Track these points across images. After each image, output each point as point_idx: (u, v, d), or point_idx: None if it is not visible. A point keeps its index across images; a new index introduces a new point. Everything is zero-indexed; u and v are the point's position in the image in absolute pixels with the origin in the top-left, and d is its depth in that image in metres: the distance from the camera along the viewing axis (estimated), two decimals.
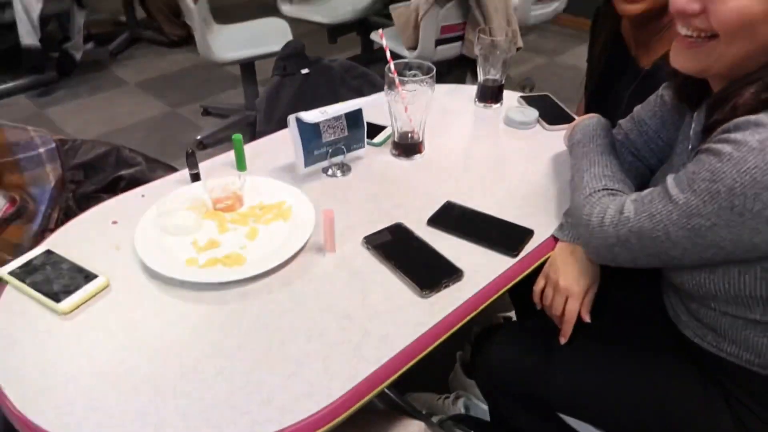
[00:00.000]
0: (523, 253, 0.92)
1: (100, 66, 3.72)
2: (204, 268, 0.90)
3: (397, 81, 1.07)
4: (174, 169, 1.29)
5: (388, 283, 0.87)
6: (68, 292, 0.83)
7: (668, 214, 0.72)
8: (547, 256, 0.95)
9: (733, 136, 0.67)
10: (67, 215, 1.28)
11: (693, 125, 0.86)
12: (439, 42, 2.44)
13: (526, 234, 0.96)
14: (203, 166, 1.12)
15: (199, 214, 1.01)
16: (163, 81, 3.55)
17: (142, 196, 1.06)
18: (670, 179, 0.74)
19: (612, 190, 0.88)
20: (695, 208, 0.69)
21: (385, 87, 1.09)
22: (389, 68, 1.07)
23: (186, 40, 3.85)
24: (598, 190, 0.87)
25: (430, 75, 1.08)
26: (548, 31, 4.01)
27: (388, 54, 1.09)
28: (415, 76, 1.09)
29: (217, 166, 1.16)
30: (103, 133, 2.95)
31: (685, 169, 0.72)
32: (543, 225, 0.98)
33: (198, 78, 3.54)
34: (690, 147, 0.85)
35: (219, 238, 0.96)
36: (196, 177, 1.10)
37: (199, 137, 2.78)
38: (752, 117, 0.66)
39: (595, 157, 0.95)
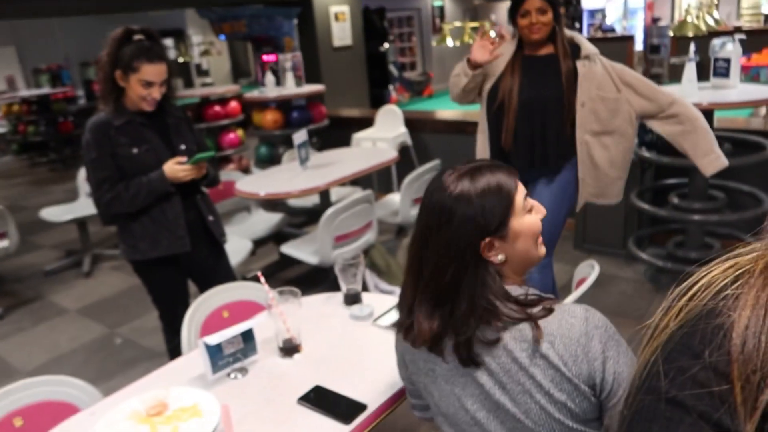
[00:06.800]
0: (356, 422, 1.32)
1: (43, 297, 4.15)
2: None
3: (273, 304, 1.51)
4: None
5: None
6: None
7: None
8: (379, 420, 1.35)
9: None
10: None
11: None
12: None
13: (360, 408, 1.36)
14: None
15: (136, 421, 1.40)
16: (102, 304, 3.94)
17: (91, 414, 1.45)
18: None
19: None
20: None
21: (266, 309, 1.53)
22: (268, 297, 1.52)
23: None
24: None
25: (297, 297, 1.54)
26: None
27: (266, 287, 1.54)
28: (287, 300, 1.54)
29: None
30: (44, 362, 3.26)
31: None
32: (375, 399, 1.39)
33: (134, 298, 3.85)
34: None
35: None
36: None
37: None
38: None
39: None
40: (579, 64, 2.34)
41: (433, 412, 1.21)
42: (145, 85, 2.09)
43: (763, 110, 4.46)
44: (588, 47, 2.36)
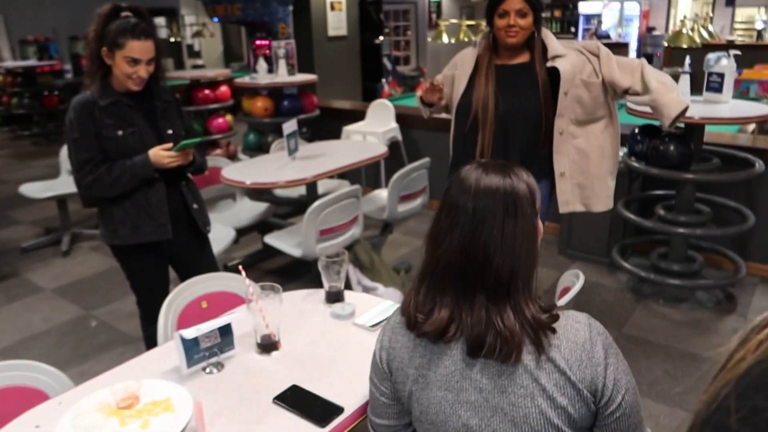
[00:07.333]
0: (331, 425, 1.30)
1: (18, 274, 4.07)
2: None
3: (253, 299, 1.48)
4: None
5: None
6: None
7: None
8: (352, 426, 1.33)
9: None
10: None
11: None
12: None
13: (337, 410, 1.34)
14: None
15: (105, 413, 1.36)
16: (78, 285, 3.86)
17: (59, 403, 1.41)
18: None
19: None
20: None
21: (246, 304, 1.50)
22: (248, 291, 1.49)
23: None
24: None
25: (278, 293, 1.50)
26: (425, 216, 4.56)
27: (247, 281, 1.51)
28: (267, 295, 1.51)
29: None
30: (16, 342, 3.13)
31: None
32: (352, 402, 1.36)
33: (112, 281, 3.79)
34: None
35: (120, 431, 1.31)
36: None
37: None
38: None
39: None
40: (550, 61, 2.21)
41: (417, 421, 1.17)
42: (130, 62, 2.03)
43: (750, 126, 4.49)
44: (556, 48, 2.22)
